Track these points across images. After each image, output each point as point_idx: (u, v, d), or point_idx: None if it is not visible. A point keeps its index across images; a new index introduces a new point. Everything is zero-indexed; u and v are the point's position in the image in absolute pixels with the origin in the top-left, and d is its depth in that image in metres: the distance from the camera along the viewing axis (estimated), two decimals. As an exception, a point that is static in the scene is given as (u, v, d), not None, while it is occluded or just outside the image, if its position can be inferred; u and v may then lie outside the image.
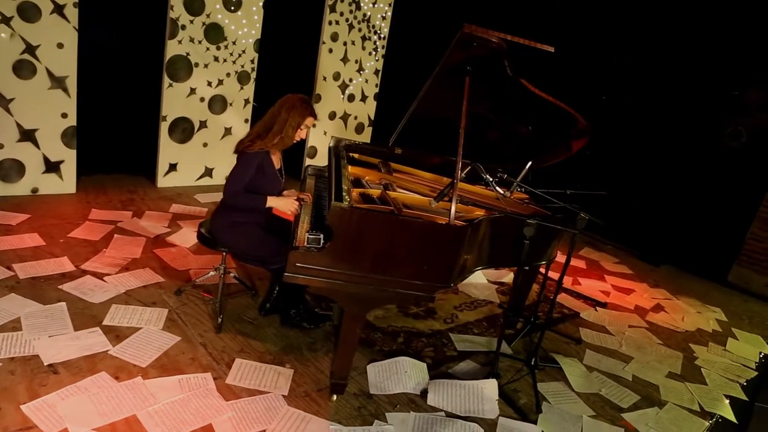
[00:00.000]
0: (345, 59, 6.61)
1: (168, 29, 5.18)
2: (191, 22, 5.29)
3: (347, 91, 6.80)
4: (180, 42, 5.28)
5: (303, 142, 6.67)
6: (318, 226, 2.91)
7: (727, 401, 3.57)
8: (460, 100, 2.81)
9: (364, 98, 7.02)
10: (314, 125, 3.18)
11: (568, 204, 3.23)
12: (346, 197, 2.66)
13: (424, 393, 3.01)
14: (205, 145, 5.84)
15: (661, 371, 3.81)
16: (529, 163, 3.53)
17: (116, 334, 3.06)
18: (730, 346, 4.45)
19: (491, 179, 3.02)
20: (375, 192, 3.11)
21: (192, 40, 5.35)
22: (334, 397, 2.83)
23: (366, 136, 7.22)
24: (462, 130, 2.65)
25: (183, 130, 5.63)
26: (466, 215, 2.99)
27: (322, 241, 2.52)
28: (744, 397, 3.68)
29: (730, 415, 3.42)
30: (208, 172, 5.98)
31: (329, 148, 3.81)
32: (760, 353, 4.42)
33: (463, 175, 2.85)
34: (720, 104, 6.12)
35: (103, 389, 2.60)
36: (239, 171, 3.05)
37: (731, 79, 6.04)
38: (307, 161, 6.75)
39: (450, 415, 2.88)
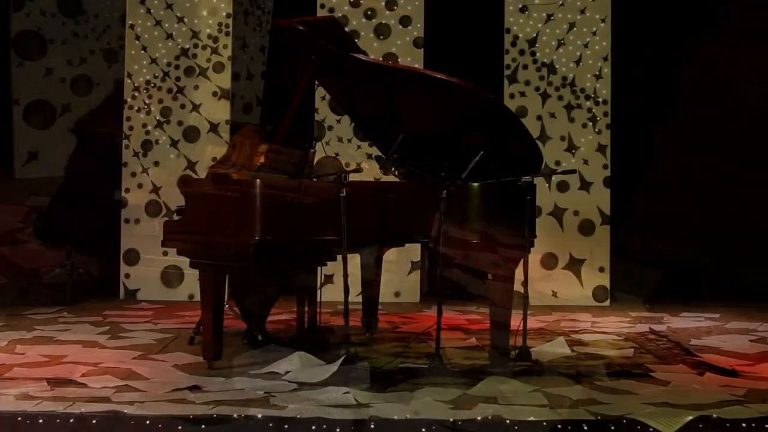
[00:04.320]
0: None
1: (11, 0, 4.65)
2: (41, -8, 4.78)
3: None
4: (28, 15, 4.75)
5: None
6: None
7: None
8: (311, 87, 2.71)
9: (250, 77, 6.69)
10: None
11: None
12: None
13: None
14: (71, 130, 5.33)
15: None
16: (401, 136, 3.43)
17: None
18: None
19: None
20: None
21: (43, 13, 4.83)
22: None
23: (255, 117, 6.90)
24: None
25: (42, 114, 5.09)
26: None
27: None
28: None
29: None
30: (77, 160, 5.48)
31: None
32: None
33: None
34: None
35: None
36: None
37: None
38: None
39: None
